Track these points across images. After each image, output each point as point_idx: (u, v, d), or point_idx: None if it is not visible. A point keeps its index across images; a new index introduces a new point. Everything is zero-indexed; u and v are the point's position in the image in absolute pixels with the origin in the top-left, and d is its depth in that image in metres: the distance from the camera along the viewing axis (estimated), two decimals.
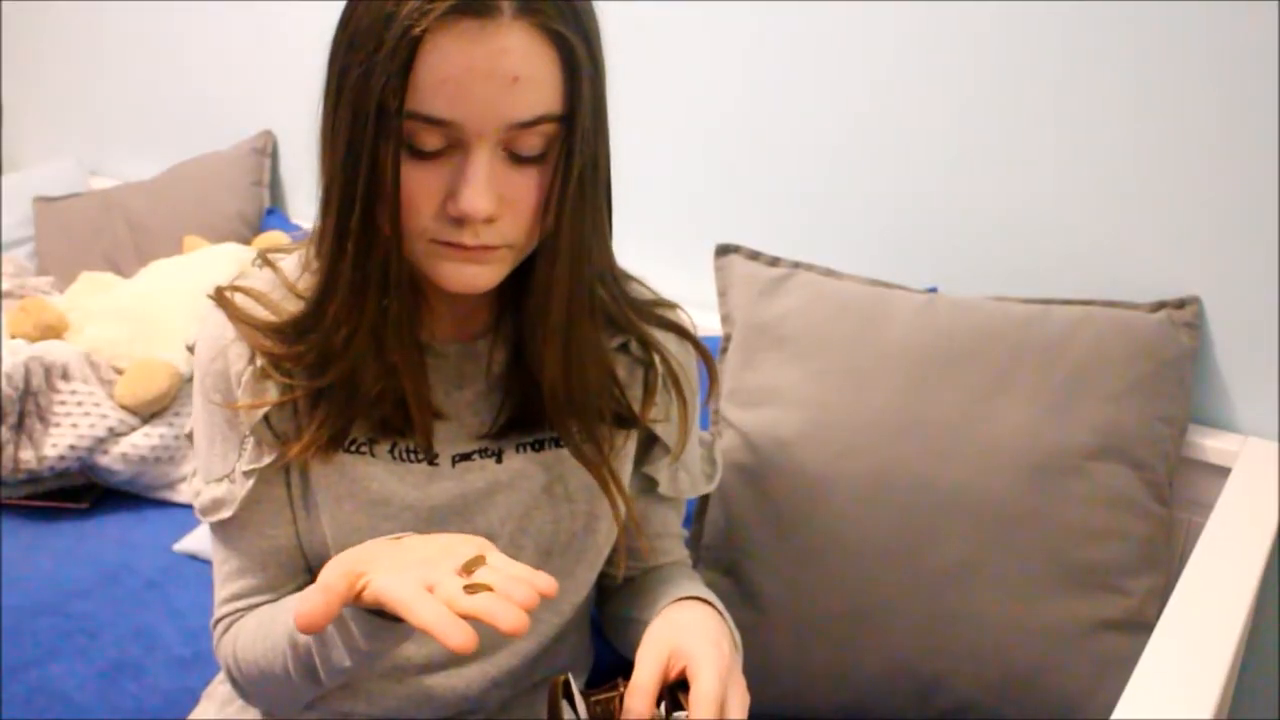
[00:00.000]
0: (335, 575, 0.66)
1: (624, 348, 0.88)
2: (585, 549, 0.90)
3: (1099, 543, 1.10)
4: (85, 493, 1.57)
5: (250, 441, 0.82)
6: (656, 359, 0.89)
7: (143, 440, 1.55)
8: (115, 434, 1.55)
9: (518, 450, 0.86)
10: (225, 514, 0.83)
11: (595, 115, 0.73)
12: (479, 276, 0.74)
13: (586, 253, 0.77)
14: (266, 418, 0.81)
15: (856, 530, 1.11)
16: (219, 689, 0.97)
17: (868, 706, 1.13)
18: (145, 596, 1.35)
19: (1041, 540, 1.09)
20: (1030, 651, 1.08)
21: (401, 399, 0.80)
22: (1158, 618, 0.86)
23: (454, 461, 0.85)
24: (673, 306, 0.93)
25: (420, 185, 0.70)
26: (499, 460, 0.86)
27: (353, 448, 0.83)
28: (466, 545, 0.68)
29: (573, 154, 0.71)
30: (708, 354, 0.94)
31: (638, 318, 0.88)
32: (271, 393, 0.80)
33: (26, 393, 1.53)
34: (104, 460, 1.54)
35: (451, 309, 0.83)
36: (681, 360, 0.91)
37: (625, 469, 0.90)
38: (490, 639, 0.89)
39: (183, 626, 1.29)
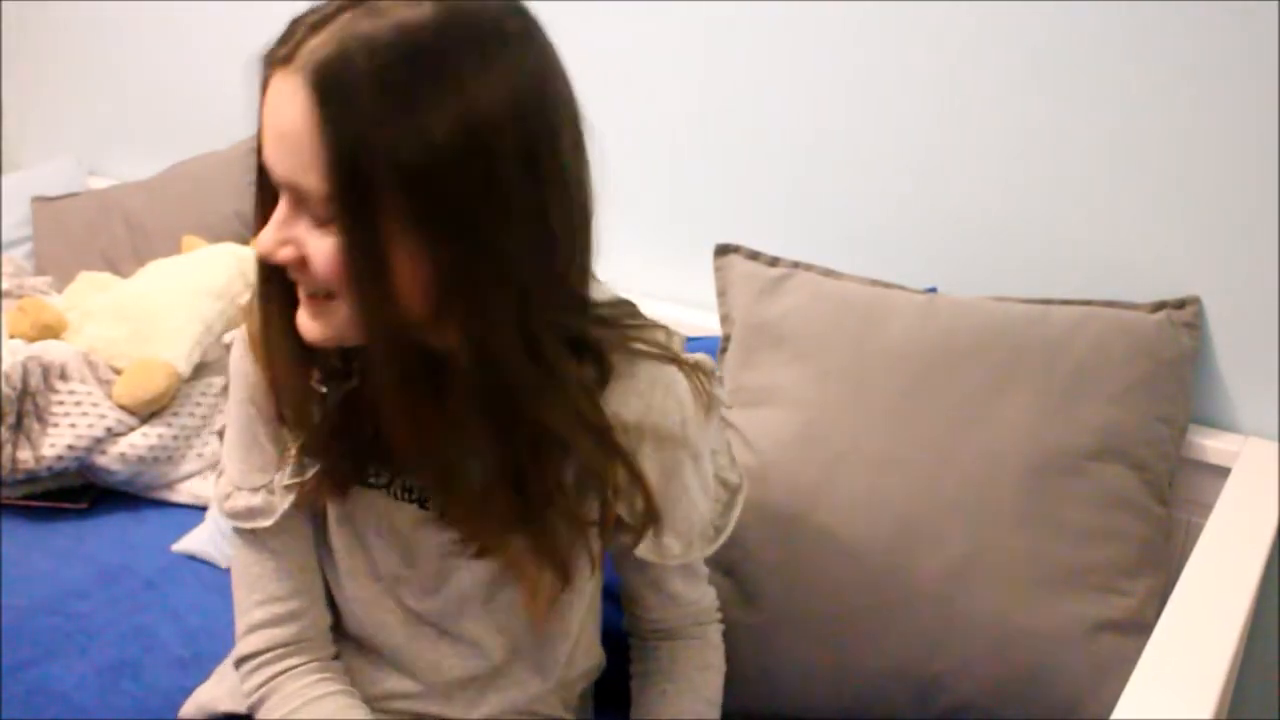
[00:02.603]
0: None
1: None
2: (557, 606, 0.89)
3: (1099, 543, 1.10)
4: (84, 493, 1.57)
5: (293, 457, 0.82)
6: (620, 468, 0.81)
7: (141, 440, 1.55)
8: (113, 434, 1.54)
9: None
10: (264, 523, 0.84)
11: (426, 186, 0.65)
12: (305, 322, 0.73)
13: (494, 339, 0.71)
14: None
15: (856, 530, 1.11)
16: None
17: (867, 707, 1.13)
18: (144, 597, 1.35)
19: (1041, 540, 1.09)
20: (1030, 652, 1.08)
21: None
22: (1157, 618, 0.86)
23: (443, 511, 0.84)
24: (664, 332, 0.85)
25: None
26: None
27: (364, 479, 0.85)
28: None
29: (352, 236, 0.66)
30: (709, 391, 0.86)
31: (596, 398, 0.79)
32: (314, 414, 0.80)
33: (25, 393, 1.53)
34: (102, 460, 1.53)
35: None
36: (645, 418, 0.83)
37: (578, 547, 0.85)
38: (478, 680, 0.91)
39: (181, 627, 1.29)
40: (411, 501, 0.85)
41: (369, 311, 0.69)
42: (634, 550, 0.87)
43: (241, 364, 0.83)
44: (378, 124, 0.63)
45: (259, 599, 0.87)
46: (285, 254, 0.69)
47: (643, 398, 0.82)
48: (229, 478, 0.86)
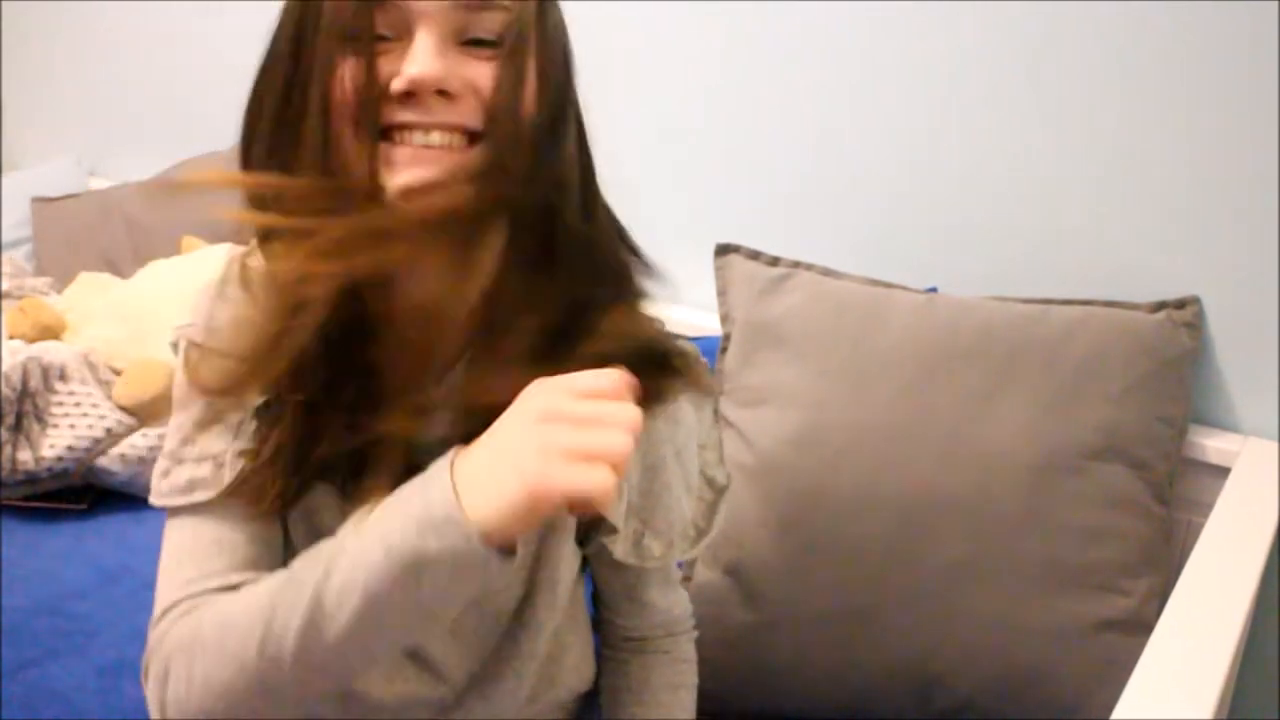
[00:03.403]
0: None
1: None
2: (527, 620, 0.82)
3: (1099, 543, 1.09)
4: (83, 494, 1.57)
5: (252, 425, 0.74)
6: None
7: (141, 441, 1.55)
8: (113, 435, 1.54)
9: None
10: (203, 495, 0.76)
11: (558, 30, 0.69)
12: (405, 170, 0.66)
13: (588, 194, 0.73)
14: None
15: (856, 530, 1.11)
16: None
17: (867, 706, 1.13)
18: (144, 597, 1.33)
19: (1041, 540, 1.09)
20: (1030, 652, 1.08)
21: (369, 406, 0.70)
22: (1157, 618, 0.86)
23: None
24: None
25: (359, 73, 0.65)
26: None
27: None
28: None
29: (546, 40, 0.67)
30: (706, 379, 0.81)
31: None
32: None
33: (24, 394, 1.53)
34: (102, 461, 1.53)
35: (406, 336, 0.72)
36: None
37: (559, 532, 0.81)
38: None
39: None
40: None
41: (522, 138, 0.66)
42: (613, 553, 0.83)
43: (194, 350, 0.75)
44: None
45: (190, 576, 0.75)
46: (456, 84, 0.65)
47: None
48: (167, 452, 0.78)
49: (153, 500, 0.79)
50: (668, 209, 1.57)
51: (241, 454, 0.74)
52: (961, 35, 1.28)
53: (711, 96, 1.50)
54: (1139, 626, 1.08)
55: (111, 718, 1.15)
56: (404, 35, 0.66)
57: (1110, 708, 0.74)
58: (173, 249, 1.94)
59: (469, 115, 0.66)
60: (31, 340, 1.65)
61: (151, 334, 1.65)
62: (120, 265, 2.02)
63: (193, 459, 0.77)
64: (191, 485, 0.76)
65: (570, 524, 0.82)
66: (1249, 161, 1.15)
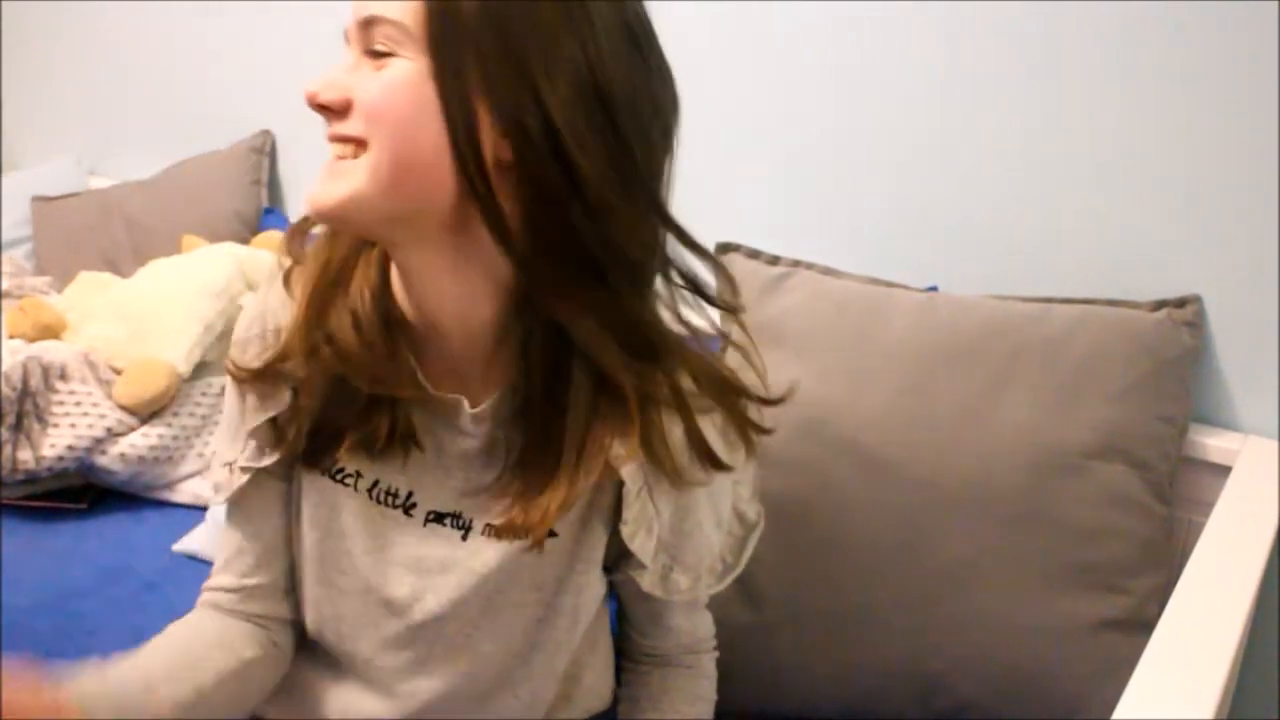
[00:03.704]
0: None
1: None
2: (542, 642, 0.85)
3: (1099, 542, 1.09)
4: (84, 493, 1.57)
5: (251, 441, 0.82)
6: (624, 473, 0.79)
7: (141, 440, 1.55)
8: (114, 434, 1.54)
9: (484, 533, 0.82)
10: (219, 499, 0.85)
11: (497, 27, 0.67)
12: (317, 189, 0.71)
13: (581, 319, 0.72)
14: (274, 419, 0.81)
15: (856, 529, 1.11)
16: None
17: (868, 706, 1.13)
18: (144, 597, 1.35)
19: (1042, 539, 1.09)
20: (1030, 651, 1.08)
21: (392, 414, 0.78)
22: (1158, 617, 0.86)
23: (426, 520, 0.83)
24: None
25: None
26: (465, 537, 0.82)
27: (339, 476, 0.82)
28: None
29: (444, 54, 0.67)
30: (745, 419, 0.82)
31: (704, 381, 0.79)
32: (285, 394, 0.80)
33: (25, 393, 1.53)
34: (102, 460, 1.53)
35: (444, 354, 0.79)
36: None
37: (586, 575, 0.84)
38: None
39: None
40: (394, 507, 0.82)
41: (457, 144, 0.68)
42: (640, 585, 0.85)
43: (240, 334, 0.83)
44: None
45: (230, 567, 0.88)
46: (329, 95, 0.69)
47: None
48: (218, 456, 0.87)
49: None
50: (668, 207, 1.56)
51: (244, 469, 0.83)
52: (962, 33, 1.28)
53: (711, 95, 1.49)
54: (1140, 626, 1.08)
55: None
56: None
57: (1111, 707, 0.74)
58: (173, 248, 1.94)
59: (354, 127, 0.69)
60: (32, 339, 1.65)
61: (152, 333, 1.65)
62: (120, 264, 2.02)
63: (219, 463, 0.85)
64: (216, 488, 0.86)
65: (599, 554, 0.84)
66: (1249, 160, 1.15)
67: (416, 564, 0.83)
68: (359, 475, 0.82)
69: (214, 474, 0.86)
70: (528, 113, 0.66)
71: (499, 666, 0.85)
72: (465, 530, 0.82)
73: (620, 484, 0.80)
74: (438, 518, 0.83)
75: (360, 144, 0.69)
